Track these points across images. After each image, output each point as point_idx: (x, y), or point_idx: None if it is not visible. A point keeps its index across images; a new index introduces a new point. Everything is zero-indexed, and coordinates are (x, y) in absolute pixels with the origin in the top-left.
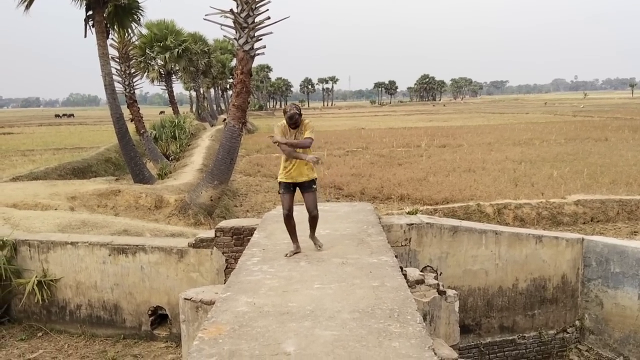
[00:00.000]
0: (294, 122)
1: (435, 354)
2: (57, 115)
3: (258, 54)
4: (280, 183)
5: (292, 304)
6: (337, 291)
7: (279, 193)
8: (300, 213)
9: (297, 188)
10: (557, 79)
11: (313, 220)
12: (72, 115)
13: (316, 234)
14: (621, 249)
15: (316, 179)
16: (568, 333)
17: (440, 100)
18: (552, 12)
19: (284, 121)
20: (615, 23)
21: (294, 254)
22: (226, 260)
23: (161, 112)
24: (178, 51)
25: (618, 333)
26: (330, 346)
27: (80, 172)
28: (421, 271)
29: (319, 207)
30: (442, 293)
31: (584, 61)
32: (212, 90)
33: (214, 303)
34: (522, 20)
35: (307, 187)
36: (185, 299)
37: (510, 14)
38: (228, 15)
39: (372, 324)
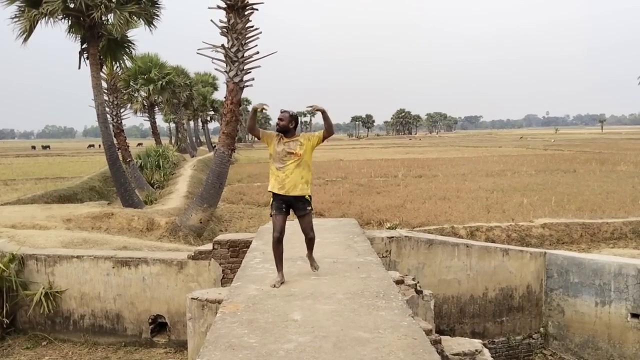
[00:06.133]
0: (285, 130)
1: (414, 319)
2: (33, 147)
3: (247, 86)
4: (272, 203)
5: (294, 289)
6: (331, 281)
7: (271, 215)
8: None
9: (292, 210)
10: (529, 115)
11: (310, 242)
12: (49, 147)
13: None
14: (579, 260)
15: (311, 197)
16: (534, 339)
17: (416, 134)
18: (524, 47)
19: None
20: (585, 59)
21: (280, 284)
22: (223, 270)
23: (139, 144)
24: (162, 83)
25: (578, 338)
26: (329, 314)
27: (67, 199)
28: None
29: None
30: (419, 292)
31: (555, 97)
32: (191, 122)
33: (218, 301)
34: (493, 54)
35: (302, 209)
36: (192, 298)
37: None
38: (219, 50)
39: (362, 301)
